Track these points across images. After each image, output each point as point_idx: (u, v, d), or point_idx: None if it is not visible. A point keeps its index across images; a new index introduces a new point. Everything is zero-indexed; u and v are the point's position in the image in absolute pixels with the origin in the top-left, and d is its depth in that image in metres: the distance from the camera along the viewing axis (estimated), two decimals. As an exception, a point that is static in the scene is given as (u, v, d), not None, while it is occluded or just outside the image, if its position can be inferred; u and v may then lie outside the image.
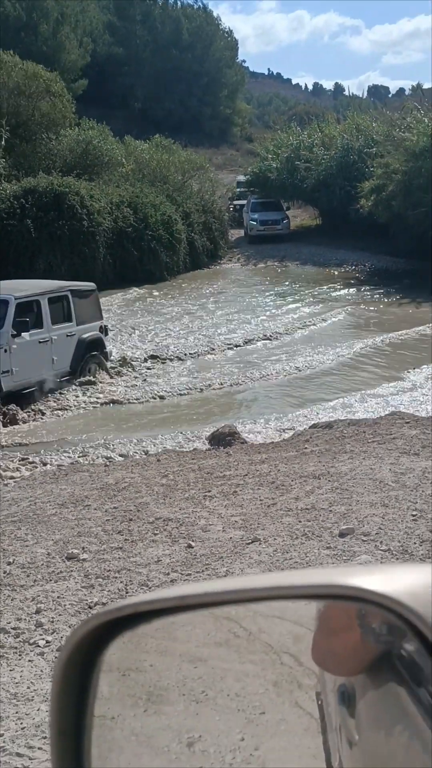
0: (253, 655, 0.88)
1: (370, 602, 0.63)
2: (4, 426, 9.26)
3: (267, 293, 19.85)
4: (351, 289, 20.11)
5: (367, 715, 0.73)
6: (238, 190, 35.08)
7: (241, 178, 36.72)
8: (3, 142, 20.55)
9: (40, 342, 10.37)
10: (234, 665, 0.90)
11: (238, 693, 0.90)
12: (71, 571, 4.49)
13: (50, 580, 4.38)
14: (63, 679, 0.77)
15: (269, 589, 0.72)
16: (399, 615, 0.61)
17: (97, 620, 0.77)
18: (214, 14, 62.91)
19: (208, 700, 0.91)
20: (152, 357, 13.09)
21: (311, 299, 18.90)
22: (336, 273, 22.49)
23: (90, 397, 10.73)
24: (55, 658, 3.48)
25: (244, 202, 32.20)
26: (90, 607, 4.00)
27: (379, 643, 0.68)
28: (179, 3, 61.23)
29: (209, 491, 5.89)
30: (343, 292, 19.87)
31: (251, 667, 0.90)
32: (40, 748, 2.70)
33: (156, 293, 19.88)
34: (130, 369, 12.29)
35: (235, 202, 33.29)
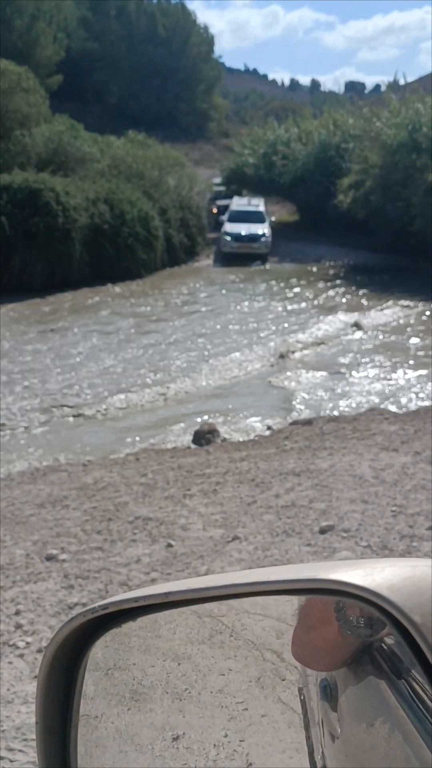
0: (236, 652, 0.89)
1: (351, 596, 0.64)
2: None
3: (239, 298, 18.26)
4: (332, 288, 19.42)
5: (349, 708, 0.74)
6: (216, 189, 33.15)
7: (217, 180, 36.08)
8: None
9: None
10: (217, 662, 0.91)
11: (221, 689, 0.91)
12: (50, 571, 4.47)
13: (29, 581, 4.35)
14: (48, 678, 0.77)
15: (252, 585, 0.73)
16: (379, 607, 0.62)
17: (81, 618, 0.77)
18: (190, 9, 62.61)
19: (191, 697, 0.91)
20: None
21: (288, 303, 17.64)
22: (315, 269, 22.52)
23: None
24: (35, 659, 3.47)
25: (229, 201, 29.55)
26: (70, 608, 3.98)
27: (357, 636, 0.69)
28: (155, -1, 61.14)
29: (189, 490, 5.89)
30: (322, 290, 19.23)
31: (234, 663, 0.90)
32: (20, 750, 2.68)
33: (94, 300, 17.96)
34: None
35: (218, 203, 30.22)
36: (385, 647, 0.67)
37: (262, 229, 24.08)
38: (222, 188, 33.62)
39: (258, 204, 25.84)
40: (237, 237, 23.75)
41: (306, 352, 12.80)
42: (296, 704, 0.90)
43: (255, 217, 24.63)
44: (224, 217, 25.29)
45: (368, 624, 0.66)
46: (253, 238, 23.75)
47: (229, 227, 24.13)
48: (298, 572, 0.73)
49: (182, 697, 0.92)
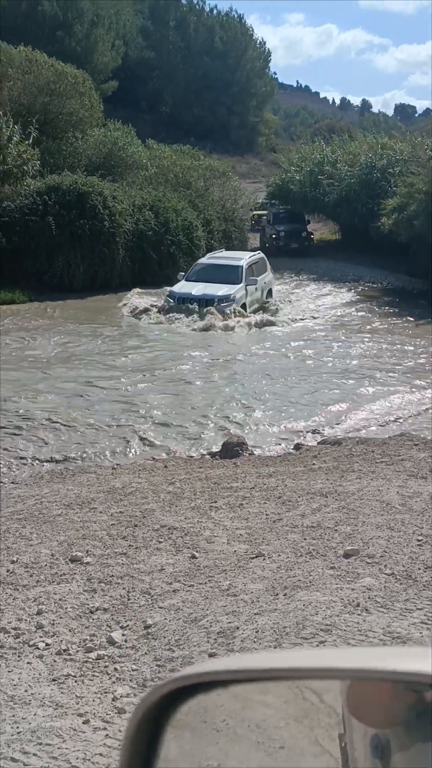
0: (276, 688, 0.88)
1: None
2: None
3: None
4: (370, 312, 18.77)
5: None
6: (275, 210, 30.85)
7: (261, 198, 35.72)
8: (31, 140, 20.65)
9: None
10: (255, 696, 0.90)
11: (258, 725, 0.90)
12: (74, 573, 4.49)
13: (53, 582, 4.37)
14: (134, 739, 0.77)
15: (356, 672, 0.71)
16: None
17: (174, 684, 0.77)
18: (247, 24, 63.10)
19: (228, 729, 0.91)
20: None
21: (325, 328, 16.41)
22: (352, 289, 22.41)
23: None
24: (54, 661, 3.48)
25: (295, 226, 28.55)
26: (91, 612, 3.99)
27: (414, 691, 0.68)
28: (215, 11, 61.75)
29: (215, 502, 5.88)
30: (360, 314, 18.68)
31: (273, 699, 0.89)
32: (35, 755, 2.68)
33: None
34: None
35: (279, 228, 28.77)
36: None
37: (228, 290, 16.39)
38: (277, 207, 31.54)
39: (240, 258, 18.00)
40: (182, 299, 16.42)
41: None
42: (334, 749, 0.88)
43: (226, 275, 16.79)
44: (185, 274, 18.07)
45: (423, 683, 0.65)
46: (208, 302, 16.19)
47: (178, 287, 17.08)
48: (403, 661, 0.72)
49: (218, 729, 0.91)
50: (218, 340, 14.39)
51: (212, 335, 14.88)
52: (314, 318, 17.64)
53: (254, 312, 16.83)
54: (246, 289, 16.82)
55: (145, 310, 16.86)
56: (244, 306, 16.54)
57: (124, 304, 17.94)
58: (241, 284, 16.73)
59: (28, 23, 42.02)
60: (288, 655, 0.79)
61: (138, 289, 19.49)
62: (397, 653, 0.79)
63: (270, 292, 18.79)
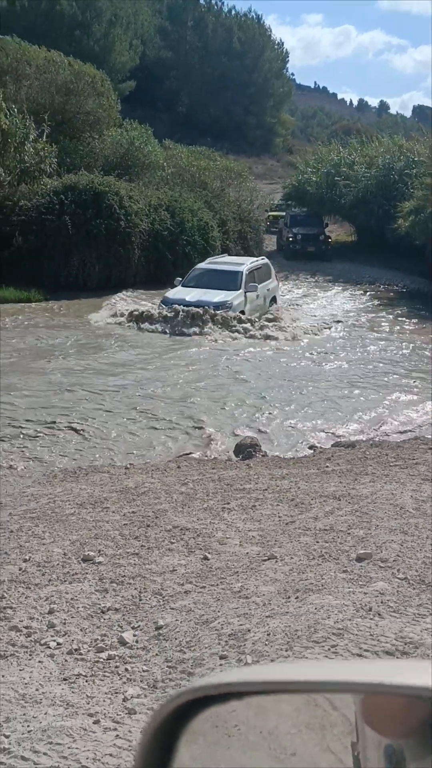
0: (289, 696, 0.88)
1: None
2: None
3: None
4: (387, 315, 18.47)
5: None
6: (292, 212, 30.72)
7: (278, 198, 35.76)
8: (44, 136, 20.71)
9: None
10: (268, 703, 0.89)
11: (270, 731, 0.90)
12: (86, 573, 4.50)
13: (65, 581, 4.38)
14: (148, 749, 0.77)
15: (373, 686, 0.70)
16: None
17: (188, 696, 0.77)
18: (266, 25, 63.11)
19: (240, 735, 0.90)
20: None
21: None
22: (367, 292, 22.34)
23: None
24: (65, 661, 3.49)
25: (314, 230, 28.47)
26: (103, 612, 3.99)
27: (428, 704, 0.67)
28: (233, 11, 61.85)
29: (228, 503, 5.87)
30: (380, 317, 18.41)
31: (285, 706, 0.89)
32: (45, 754, 2.68)
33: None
34: None
35: (295, 231, 28.35)
36: None
37: (224, 296, 15.43)
38: (294, 209, 31.53)
39: (241, 263, 16.89)
40: (177, 304, 15.27)
41: None
42: (347, 757, 0.88)
43: (224, 281, 15.89)
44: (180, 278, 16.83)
45: None
46: (202, 307, 15.12)
47: (172, 292, 16.02)
48: (420, 676, 0.71)
49: (230, 734, 0.91)
50: (216, 346, 14.03)
51: (210, 340, 14.36)
52: (329, 321, 17.43)
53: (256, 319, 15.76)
54: (245, 296, 15.87)
55: (119, 317, 15.81)
56: (242, 314, 15.50)
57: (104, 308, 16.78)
58: (240, 291, 15.74)
59: (46, 23, 42.34)
60: (303, 668, 0.79)
61: (131, 291, 19.13)
62: (413, 667, 0.78)
63: (274, 300, 17.88)
